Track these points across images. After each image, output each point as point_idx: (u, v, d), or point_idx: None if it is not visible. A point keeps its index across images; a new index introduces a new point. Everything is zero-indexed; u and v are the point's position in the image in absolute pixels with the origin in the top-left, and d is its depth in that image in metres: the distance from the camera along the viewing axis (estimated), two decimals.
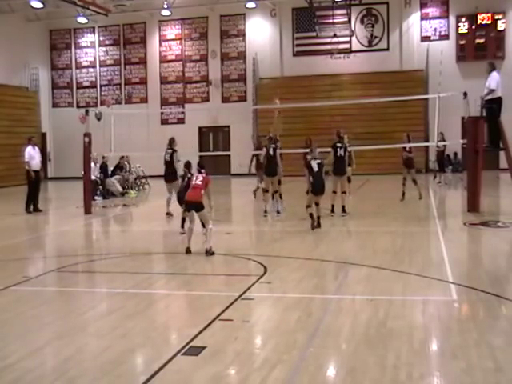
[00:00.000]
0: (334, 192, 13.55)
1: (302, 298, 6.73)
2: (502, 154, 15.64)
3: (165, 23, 31.01)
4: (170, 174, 14.00)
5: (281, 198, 14.31)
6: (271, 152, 13.67)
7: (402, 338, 5.28)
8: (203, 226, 10.59)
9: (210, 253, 9.45)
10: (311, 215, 11.51)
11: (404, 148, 16.30)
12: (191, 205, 9.82)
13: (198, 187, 9.76)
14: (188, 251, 9.57)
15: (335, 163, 13.40)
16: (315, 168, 11.60)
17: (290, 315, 6.03)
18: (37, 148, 16.22)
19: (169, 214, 13.85)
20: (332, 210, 13.54)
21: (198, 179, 9.88)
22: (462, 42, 27.65)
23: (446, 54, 26.08)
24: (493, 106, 13.38)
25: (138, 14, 30.03)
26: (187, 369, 4.72)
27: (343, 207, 13.33)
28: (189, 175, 10.87)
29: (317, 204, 11.72)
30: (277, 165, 13.75)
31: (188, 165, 11.01)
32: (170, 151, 14.11)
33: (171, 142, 14.31)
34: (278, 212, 13.94)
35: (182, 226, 11.40)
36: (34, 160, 15.79)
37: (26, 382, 4.58)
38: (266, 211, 13.77)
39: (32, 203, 15.72)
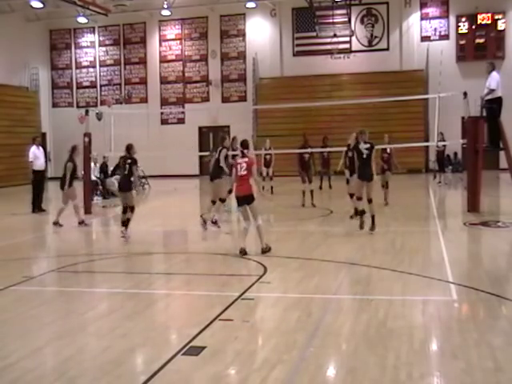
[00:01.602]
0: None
1: (302, 298, 6.72)
2: (502, 153, 15.64)
3: (165, 23, 31.01)
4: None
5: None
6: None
7: (401, 338, 5.27)
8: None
9: (266, 250, 9.13)
10: (356, 210, 10.74)
11: (383, 149, 15.54)
12: (243, 199, 9.14)
13: (245, 177, 9.10)
14: (243, 252, 9.07)
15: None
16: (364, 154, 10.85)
17: (290, 315, 6.03)
18: (41, 148, 16.32)
19: (56, 223, 13.06)
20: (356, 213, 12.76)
21: (242, 168, 9.08)
22: (462, 42, 27.65)
23: (446, 54, 26.10)
24: (493, 105, 13.38)
25: (138, 13, 30.04)
26: (187, 369, 4.72)
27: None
28: (129, 161, 10.76)
29: (369, 201, 10.71)
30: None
31: (128, 148, 10.91)
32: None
33: (71, 149, 13.46)
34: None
35: (125, 226, 10.83)
36: (38, 160, 15.91)
37: (26, 382, 4.58)
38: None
39: (37, 203, 15.80)
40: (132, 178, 10.95)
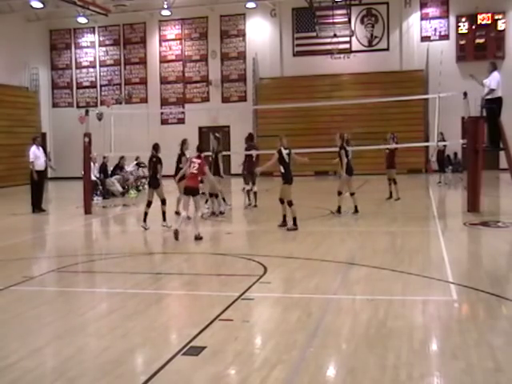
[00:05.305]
0: (340, 193, 13.56)
1: (302, 297, 6.72)
2: (502, 154, 15.64)
3: (165, 23, 31.01)
4: None
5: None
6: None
7: (401, 338, 5.27)
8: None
9: (198, 238, 10.54)
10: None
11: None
12: (190, 190, 10.90)
13: (195, 175, 10.94)
14: (177, 235, 10.57)
15: (347, 164, 13.46)
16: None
17: (290, 315, 6.03)
18: (41, 148, 16.34)
19: None
20: (338, 211, 13.50)
21: (194, 167, 10.91)
22: (462, 42, 27.64)
23: (446, 54, 26.05)
24: (493, 105, 13.38)
25: (137, 13, 30.04)
26: (187, 369, 4.72)
27: (356, 207, 13.47)
28: (154, 159, 12.04)
29: (290, 204, 11.71)
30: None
31: (155, 147, 12.23)
32: None
33: None
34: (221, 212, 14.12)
35: None
36: (39, 160, 15.93)
37: (26, 382, 4.58)
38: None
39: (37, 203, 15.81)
40: None
